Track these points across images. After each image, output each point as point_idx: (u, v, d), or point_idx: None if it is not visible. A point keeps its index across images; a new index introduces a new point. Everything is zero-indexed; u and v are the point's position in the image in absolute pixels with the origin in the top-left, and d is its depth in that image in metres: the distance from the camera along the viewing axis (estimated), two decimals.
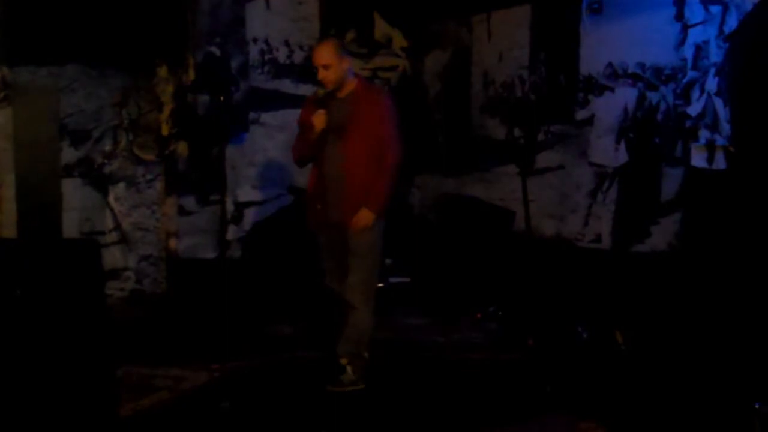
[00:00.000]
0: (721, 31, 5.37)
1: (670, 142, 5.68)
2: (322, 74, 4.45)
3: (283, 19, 6.87)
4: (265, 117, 6.79)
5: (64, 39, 6.06)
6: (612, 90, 6.02)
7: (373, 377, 4.54)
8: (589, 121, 6.18)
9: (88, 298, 3.38)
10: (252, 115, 6.73)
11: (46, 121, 6.22)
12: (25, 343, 3.19)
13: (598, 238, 6.11)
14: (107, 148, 6.42)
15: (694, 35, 5.53)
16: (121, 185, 6.47)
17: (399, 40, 7.42)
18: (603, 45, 6.05)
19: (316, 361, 4.89)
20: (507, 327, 5.71)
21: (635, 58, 5.85)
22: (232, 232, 6.60)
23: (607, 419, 3.91)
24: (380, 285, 5.63)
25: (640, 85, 5.84)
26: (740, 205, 5.09)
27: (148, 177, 6.53)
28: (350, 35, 7.14)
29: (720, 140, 5.39)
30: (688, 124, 5.57)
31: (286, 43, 6.88)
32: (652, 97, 5.78)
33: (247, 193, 6.72)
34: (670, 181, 5.68)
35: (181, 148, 6.52)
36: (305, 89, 6.49)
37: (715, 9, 5.41)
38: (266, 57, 6.80)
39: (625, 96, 5.93)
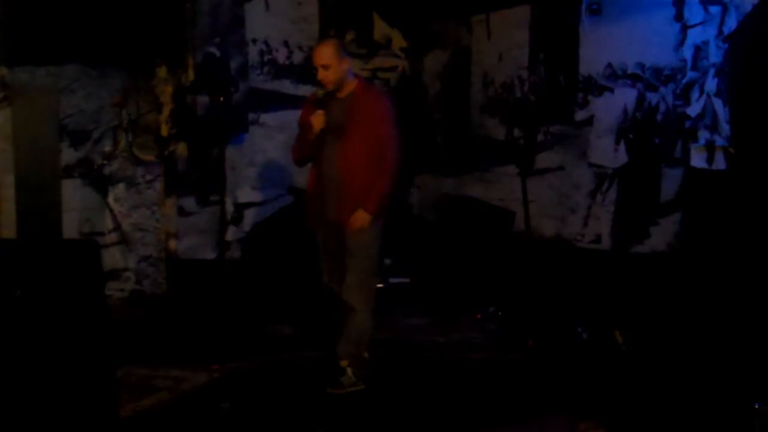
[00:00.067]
0: (720, 31, 5.37)
1: (670, 142, 5.68)
2: (321, 74, 4.45)
3: (283, 19, 6.87)
4: (265, 118, 6.79)
5: (64, 39, 6.06)
6: (611, 90, 6.02)
7: (373, 377, 4.54)
8: (589, 121, 6.18)
9: (87, 298, 3.38)
10: (251, 116, 6.73)
11: (46, 122, 6.22)
12: (25, 343, 3.19)
13: (597, 239, 6.11)
14: (107, 148, 6.42)
15: (694, 36, 5.53)
16: (121, 186, 6.47)
17: (398, 41, 7.42)
18: (602, 45, 6.05)
19: (316, 362, 4.90)
20: (507, 327, 5.72)
21: (635, 58, 5.85)
22: (231, 233, 6.60)
23: (607, 419, 3.92)
24: (380, 285, 5.64)
25: (639, 85, 5.84)
26: (740, 205, 5.09)
27: (148, 178, 6.53)
28: (350, 36, 7.14)
29: (719, 141, 5.39)
30: (687, 124, 5.57)
31: (286, 44, 6.88)
32: (652, 97, 5.78)
33: (246, 193, 6.73)
34: (670, 182, 5.68)
35: (181, 148, 6.52)
36: (305, 90, 6.48)
37: (714, 9, 5.41)
38: (266, 58, 6.80)
39: (624, 96, 5.93)
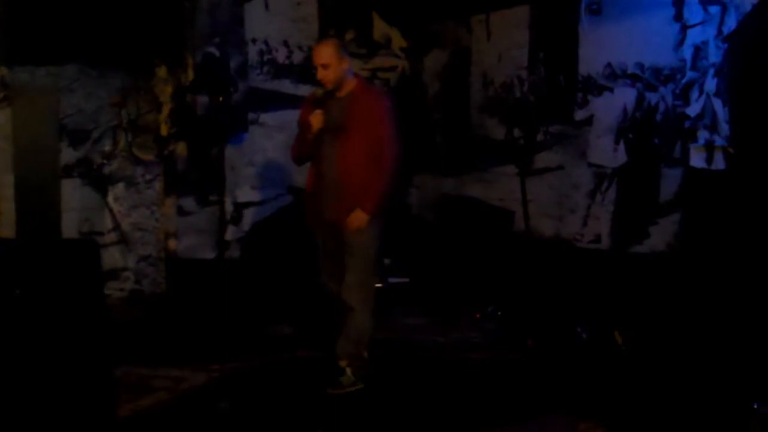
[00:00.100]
0: (720, 31, 5.37)
1: (669, 142, 5.68)
2: (321, 74, 4.45)
3: (282, 19, 6.87)
4: (265, 117, 6.78)
5: (64, 39, 6.06)
6: (611, 90, 6.02)
7: (373, 377, 4.54)
8: (588, 121, 6.18)
9: (87, 298, 3.38)
10: (251, 116, 6.73)
11: (46, 122, 6.21)
12: (24, 343, 3.19)
13: (597, 239, 6.11)
14: (106, 148, 6.42)
15: (693, 36, 5.53)
16: (121, 185, 6.47)
17: (398, 41, 7.42)
18: (602, 45, 6.05)
19: (315, 361, 4.90)
20: (506, 327, 5.72)
21: (634, 58, 5.85)
22: (231, 233, 6.60)
23: (607, 419, 3.92)
24: (379, 285, 5.64)
25: (639, 85, 5.84)
26: (739, 205, 5.09)
27: (148, 177, 6.53)
28: (349, 35, 7.14)
29: (719, 141, 5.39)
30: (687, 124, 5.57)
31: (285, 44, 6.88)
32: (651, 97, 5.78)
33: (246, 193, 6.72)
34: (669, 182, 5.69)
35: (181, 148, 6.52)
36: (304, 90, 6.48)
37: (713, 9, 5.41)
38: (265, 57, 6.80)
39: (624, 96, 5.93)
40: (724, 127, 5.36)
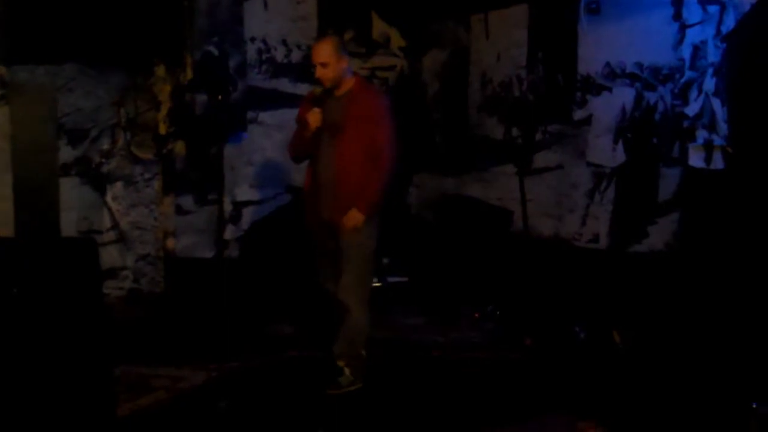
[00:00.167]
0: (718, 31, 5.38)
1: (668, 142, 5.68)
2: (319, 72, 4.44)
3: (281, 18, 6.86)
4: (263, 116, 6.78)
5: (62, 38, 6.05)
6: (610, 90, 6.02)
7: (372, 377, 4.54)
8: (587, 120, 6.18)
9: (85, 297, 3.38)
10: (250, 115, 6.72)
11: (44, 121, 6.20)
12: (23, 342, 3.18)
13: (595, 238, 6.12)
14: (105, 147, 6.40)
15: (692, 35, 5.53)
16: (119, 184, 6.46)
17: (397, 40, 7.42)
18: (601, 45, 6.06)
19: (314, 361, 4.89)
20: (505, 326, 5.72)
21: (633, 58, 5.85)
22: (230, 232, 6.59)
23: (607, 419, 3.92)
24: (378, 284, 5.64)
25: (637, 85, 5.84)
26: (738, 205, 5.09)
27: (146, 176, 6.52)
28: (348, 35, 7.13)
29: (718, 140, 5.39)
30: (685, 124, 5.57)
31: (284, 43, 6.87)
32: (650, 97, 5.78)
33: (245, 192, 6.71)
34: (668, 181, 5.69)
35: (179, 147, 6.51)
36: (303, 89, 6.48)
37: (712, 9, 5.41)
38: (264, 56, 6.79)
39: (622, 96, 5.94)
40: (723, 127, 5.36)
